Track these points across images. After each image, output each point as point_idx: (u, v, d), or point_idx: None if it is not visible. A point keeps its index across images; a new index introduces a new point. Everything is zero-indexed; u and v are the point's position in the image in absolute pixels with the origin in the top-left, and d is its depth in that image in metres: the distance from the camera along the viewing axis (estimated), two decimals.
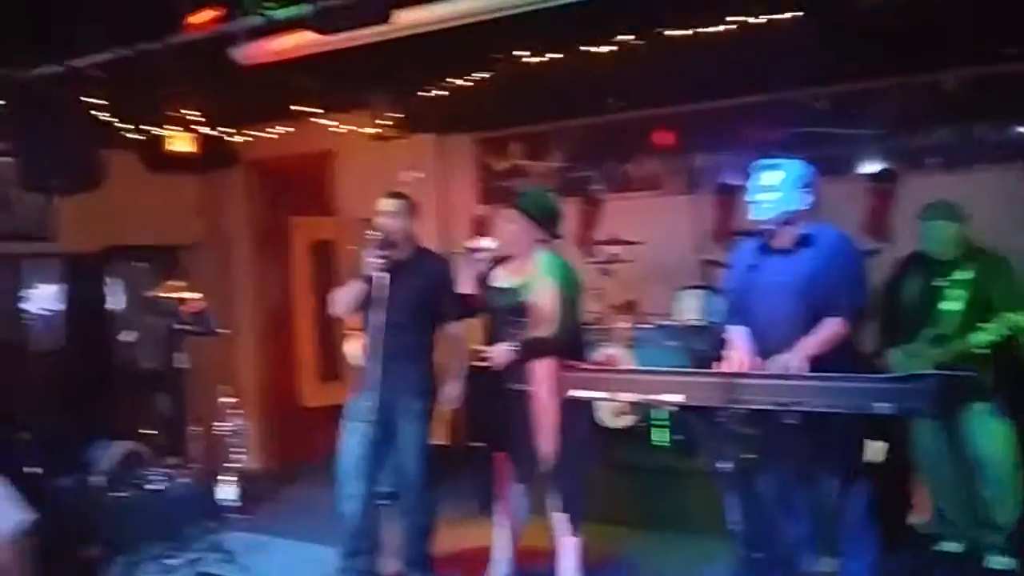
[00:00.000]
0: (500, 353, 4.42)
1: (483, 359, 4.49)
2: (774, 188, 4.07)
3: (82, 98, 5.71)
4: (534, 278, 4.41)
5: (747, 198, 4.13)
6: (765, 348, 4.00)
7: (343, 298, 4.91)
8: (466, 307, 4.67)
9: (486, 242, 4.65)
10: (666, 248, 6.83)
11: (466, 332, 4.93)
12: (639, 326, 6.44)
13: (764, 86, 6.05)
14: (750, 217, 4.13)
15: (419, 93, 6.37)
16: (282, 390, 8.58)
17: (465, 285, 4.65)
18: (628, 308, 6.56)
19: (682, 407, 3.69)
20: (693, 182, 6.69)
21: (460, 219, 7.76)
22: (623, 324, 6.42)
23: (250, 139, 7.75)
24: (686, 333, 6.21)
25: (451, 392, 4.86)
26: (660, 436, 5.96)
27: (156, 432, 6.80)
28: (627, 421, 6.10)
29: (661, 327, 6.38)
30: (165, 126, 7.15)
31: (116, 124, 6.57)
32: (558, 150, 7.47)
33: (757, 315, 4.07)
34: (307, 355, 7.78)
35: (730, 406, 3.55)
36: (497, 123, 7.55)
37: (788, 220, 4.09)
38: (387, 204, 4.88)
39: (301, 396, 7.81)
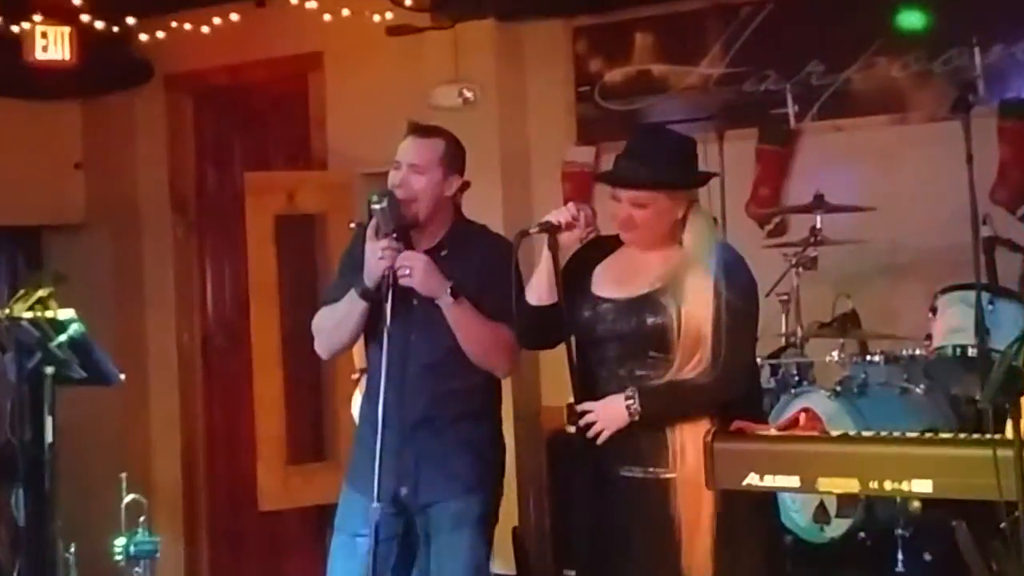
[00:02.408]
0: (609, 413, 4.39)
1: (578, 423, 4.46)
2: None
3: None
4: (675, 278, 4.38)
5: None
6: None
7: (335, 323, 4.91)
8: (542, 327, 4.66)
9: (583, 214, 4.64)
10: (912, 218, 6.78)
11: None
12: (862, 358, 6.39)
13: None
14: None
15: None
16: (225, 482, 8.71)
17: (541, 289, 4.64)
18: (842, 327, 6.51)
19: (939, 502, 3.65)
20: (963, 99, 6.65)
21: (542, 172, 7.82)
22: (833, 355, 6.39)
23: (172, 37, 7.88)
24: (947, 369, 6.17)
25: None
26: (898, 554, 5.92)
27: None
28: (839, 528, 6.06)
29: (901, 359, 6.33)
30: (22, 17, 7.31)
31: None
32: (718, 44, 7.51)
33: None
34: (269, 419, 7.88)
35: None
36: None
37: None
38: (407, 147, 4.86)
39: (259, 492, 7.91)
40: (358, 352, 5.44)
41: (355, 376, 5.68)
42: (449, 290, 4.65)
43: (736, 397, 4.34)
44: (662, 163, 4.49)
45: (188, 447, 8.73)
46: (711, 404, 4.31)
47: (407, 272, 4.64)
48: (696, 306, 4.32)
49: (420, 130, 4.91)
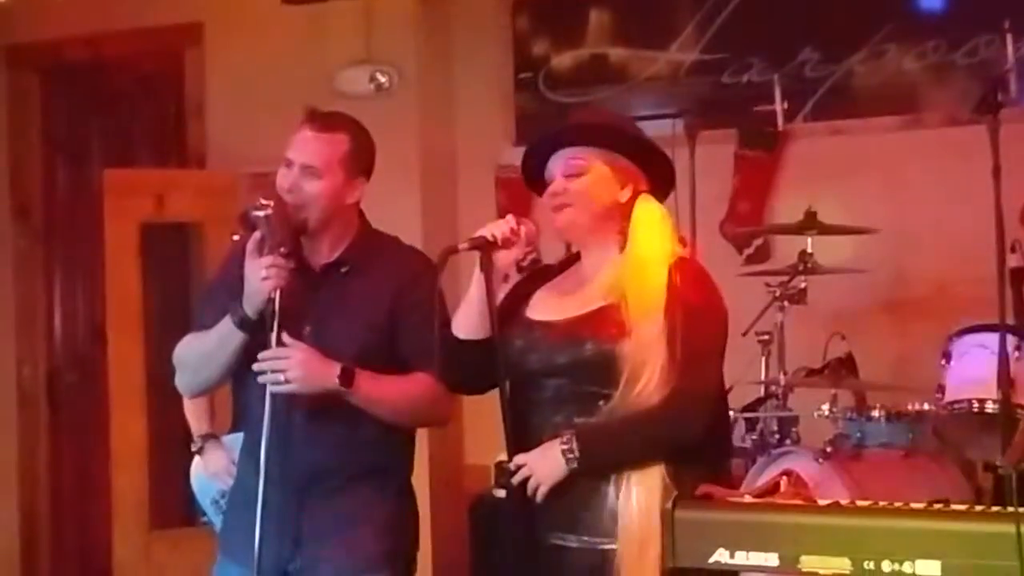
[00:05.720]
0: (544, 463, 4.36)
1: (510, 483, 4.47)
2: None
3: None
4: (619, 289, 4.36)
5: None
6: None
7: (203, 355, 4.90)
8: (471, 367, 4.64)
9: (524, 229, 4.62)
10: (924, 243, 6.93)
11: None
12: (858, 413, 6.44)
13: None
14: None
15: None
16: (73, 551, 8.72)
17: (471, 320, 4.63)
18: (836, 374, 6.58)
19: None
20: (990, 98, 6.71)
21: (471, 178, 7.91)
22: (823, 409, 6.44)
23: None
24: (962, 428, 6.21)
25: None
26: None
27: None
28: None
29: (906, 416, 6.39)
30: None
31: None
32: (691, 25, 7.61)
33: None
34: (128, 474, 7.86)
35: None
36: None
37: None
38: (303, 142, 4.84)
39: (114, 564, 7.88)
40: (194, 415, 5.46)
41: (195, 447, 5.66)
42: (338, 376, 4.61)
43: (694, 437, 4.29)
44: (602, 120, 4.58)
45: (28, 508, 8.70)
46: (664, 443, 4.27)
47: (280, 379, 4.57)
48: (643, 324, 4.30)
49: (320, 121, 4.88)
